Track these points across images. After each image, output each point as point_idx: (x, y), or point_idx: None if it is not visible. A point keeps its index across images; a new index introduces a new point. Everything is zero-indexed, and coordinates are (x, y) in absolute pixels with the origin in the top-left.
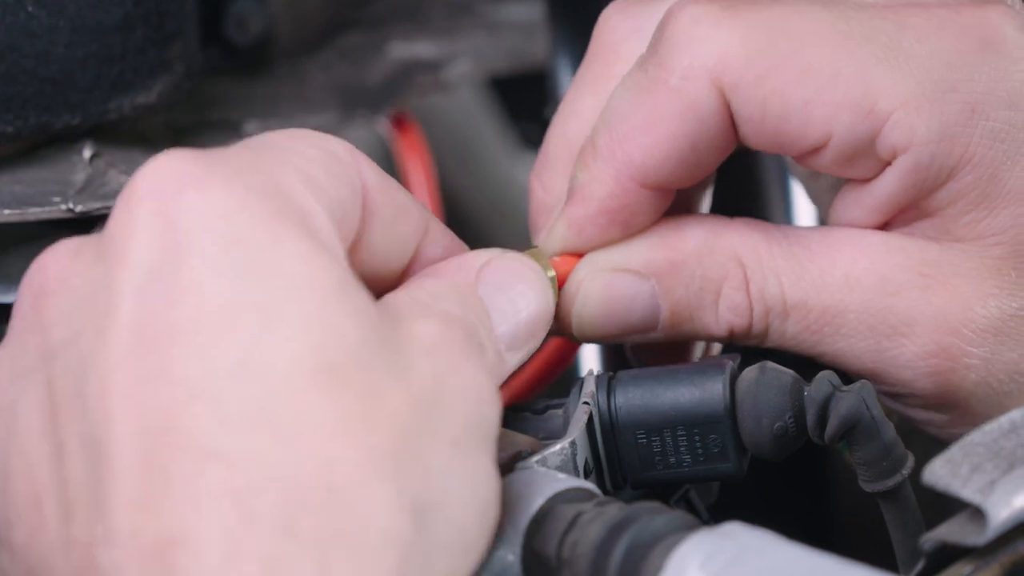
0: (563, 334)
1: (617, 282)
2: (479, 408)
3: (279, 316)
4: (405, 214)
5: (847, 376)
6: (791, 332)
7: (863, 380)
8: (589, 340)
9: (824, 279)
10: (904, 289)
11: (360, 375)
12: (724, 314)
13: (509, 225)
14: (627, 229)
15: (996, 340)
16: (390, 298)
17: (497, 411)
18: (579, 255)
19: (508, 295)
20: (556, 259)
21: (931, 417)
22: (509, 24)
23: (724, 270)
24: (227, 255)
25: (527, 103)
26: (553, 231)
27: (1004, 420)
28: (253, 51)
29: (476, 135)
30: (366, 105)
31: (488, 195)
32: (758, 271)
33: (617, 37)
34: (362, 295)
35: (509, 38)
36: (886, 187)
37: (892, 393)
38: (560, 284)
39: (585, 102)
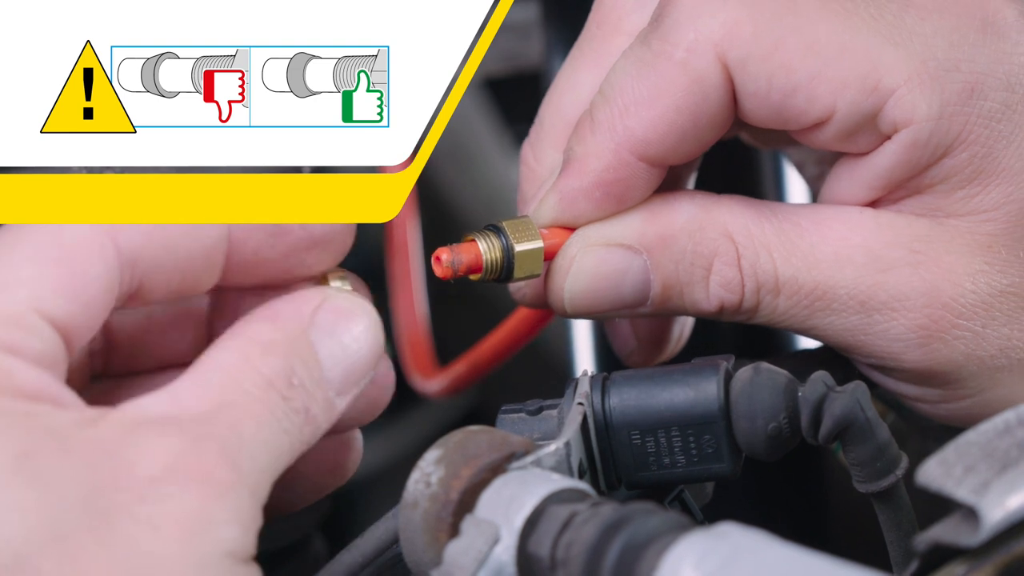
0: (553, 308)
1: (610, 256)
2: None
3: None
4: (185, 240)
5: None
6: (782, 308)
7: (857, 381)
8: (579, 315)
9: (815, 255)
10: (896, 266)
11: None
12: (715, 290)
13: None
14: (620, 204)
15: (986, 315)
16: (123, 414)
17: (234, 530)
18: (567, 228)
19: (339, 339)
20: (544, 231)
21: (923, 392)
22: (505, 25)
23: (715, 245)
24: None
25: (522, 104)
26: (544, 203)
27: (998, 420)
28: None
29: (471, 136)
30: None
31: (483, 196)
32: (750, 247)
33: (619, 12)
34: (54, 456)
35: (504, 39)
36: (883, 161)
37: (882, 367)
38: (547, 257)
39: (582, 75)
